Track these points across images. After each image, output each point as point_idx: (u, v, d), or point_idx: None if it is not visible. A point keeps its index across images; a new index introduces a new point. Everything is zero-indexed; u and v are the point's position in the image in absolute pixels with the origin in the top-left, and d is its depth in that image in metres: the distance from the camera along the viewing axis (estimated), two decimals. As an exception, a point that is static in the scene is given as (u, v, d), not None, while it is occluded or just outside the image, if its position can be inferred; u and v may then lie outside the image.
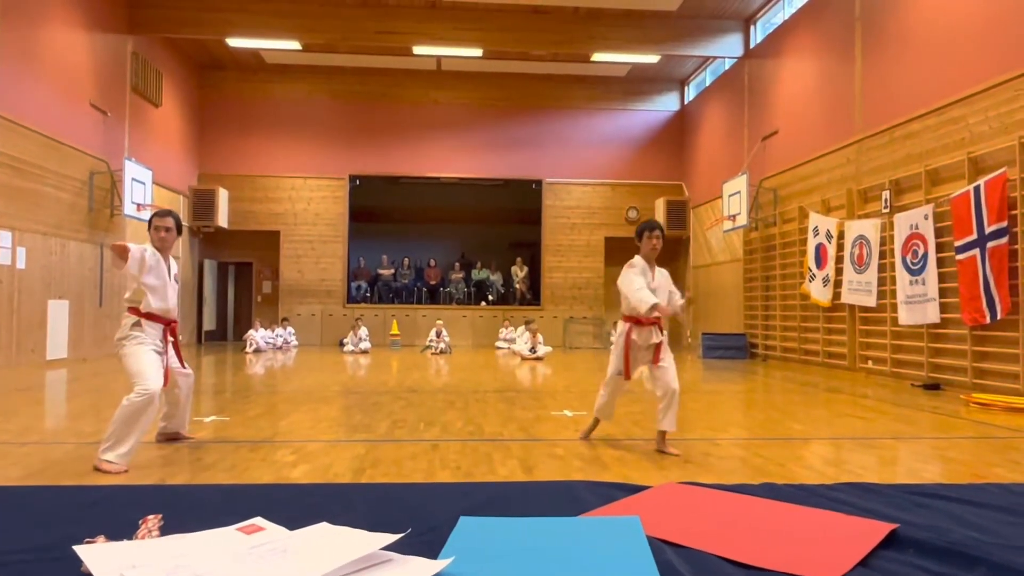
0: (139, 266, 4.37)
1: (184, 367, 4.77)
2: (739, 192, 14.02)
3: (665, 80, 18.74)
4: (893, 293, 9.74)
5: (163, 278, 4.50)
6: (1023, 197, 7.58)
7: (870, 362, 10.46)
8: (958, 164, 8.64)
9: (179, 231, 4.62)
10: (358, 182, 18.26)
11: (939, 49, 9.13)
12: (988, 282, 7.84)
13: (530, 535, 1.32)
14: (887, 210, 9.97)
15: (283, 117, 18.03)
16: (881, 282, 10.13)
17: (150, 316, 4.48)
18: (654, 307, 4.54)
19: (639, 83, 18.69)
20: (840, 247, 11.07)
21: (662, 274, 4.93)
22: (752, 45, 14.91)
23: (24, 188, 10.74)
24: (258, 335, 15.03)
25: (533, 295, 18.86)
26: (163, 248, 4.56)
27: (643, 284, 4.68)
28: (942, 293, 8.81)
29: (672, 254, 19.04)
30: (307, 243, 18.04)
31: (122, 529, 1.17)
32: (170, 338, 4.61)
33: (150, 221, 4.59)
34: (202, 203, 16.89)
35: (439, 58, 17.19)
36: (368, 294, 18.44)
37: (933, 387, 8.62)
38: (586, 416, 6.17)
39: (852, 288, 10.74)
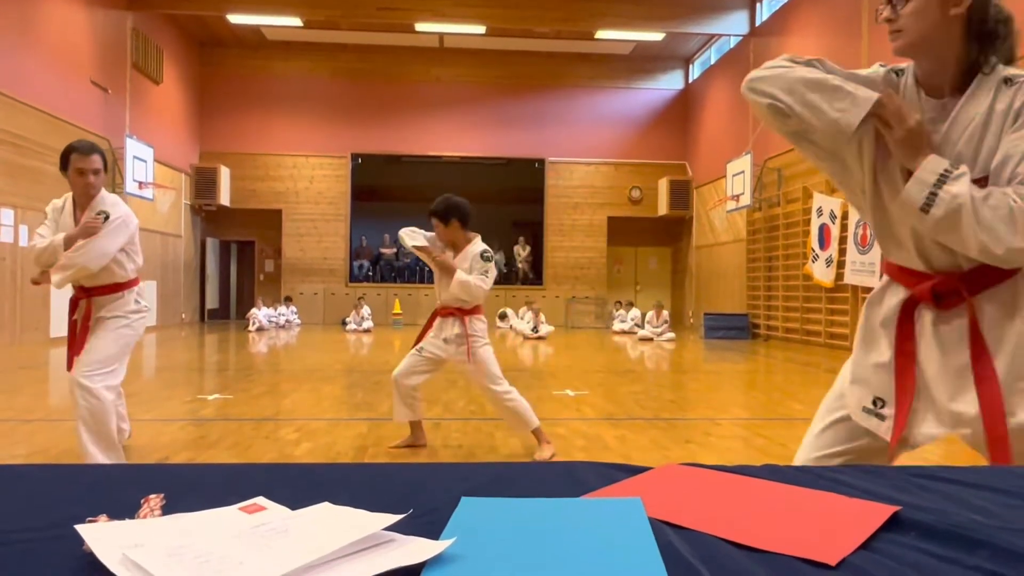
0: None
1: (87, 353, 3.31)
2: (743, 172, 13.95)
3: (669, 58, 18.57)
4: (897, 274, 9.71)
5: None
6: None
7: (872, 343, 10.45)
8: (965, 144, 8.56)
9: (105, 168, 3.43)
10: (360, 160, 18.18)
11: (948, 27, 9.02)
12: (992, 263, 7.80)
13: (531, 516, 1.32)
14: (892, 190, 9.91)
15: (284, 95, 17.91)
16: (885, 263, 10.10)
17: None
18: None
19: (643, 61, 18.52)
20: (844, 228, 11.03)
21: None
22: (758, 23, 14.74)
23: (26, 166, 10.71)
24: (261, 313, 15.06)
25: (535, 275, 18.85)
26: (88, 196, 3.36)
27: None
28: (946, 274, 8.77)
29: (675, 234, 19.01)
30: (309, 222, 18.01)
31: (124, 508, 1.17)
32: (78, 316, 3.44)
33: (67, 158, 3.33)
34: (204, 181, 16.86)
35: (441, 35, 17.04)
36: (370, 273, 18.44)
37: (935, 368, 8.60)
38: (588, 396, 6.17)
39: (855, 269, 10.71)
